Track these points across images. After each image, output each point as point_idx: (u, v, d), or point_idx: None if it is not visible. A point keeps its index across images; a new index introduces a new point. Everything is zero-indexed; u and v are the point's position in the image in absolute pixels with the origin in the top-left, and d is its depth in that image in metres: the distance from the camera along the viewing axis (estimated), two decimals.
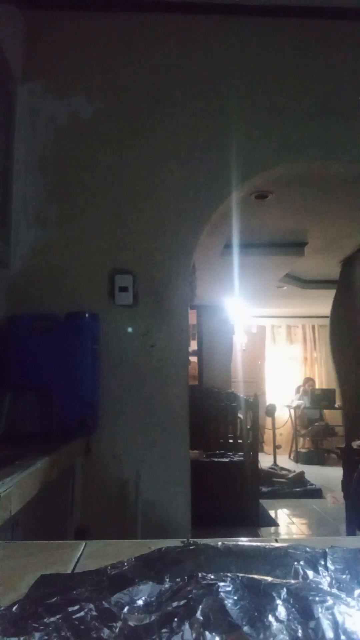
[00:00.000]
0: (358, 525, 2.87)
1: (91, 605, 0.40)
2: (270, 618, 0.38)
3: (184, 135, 2.22)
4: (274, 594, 0.41)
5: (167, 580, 0.45)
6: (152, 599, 0.42)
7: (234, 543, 0.56)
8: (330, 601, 0.40)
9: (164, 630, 0.37)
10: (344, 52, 2.29)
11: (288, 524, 4.20)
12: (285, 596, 0.41)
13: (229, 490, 3.93)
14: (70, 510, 1.89)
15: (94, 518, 1.98)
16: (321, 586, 0.45)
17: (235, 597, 0.41)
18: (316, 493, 4.98)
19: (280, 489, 5.07)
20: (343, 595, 0.42)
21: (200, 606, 0.39)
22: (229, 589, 0.42)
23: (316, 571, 0.48)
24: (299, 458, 7.05)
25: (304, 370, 8.62)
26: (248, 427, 4.42)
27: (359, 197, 3.28)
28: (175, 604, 0.40)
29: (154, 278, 2.14)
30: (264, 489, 4.75)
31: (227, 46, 2.29)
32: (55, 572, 0.52)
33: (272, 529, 3.96)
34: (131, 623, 0.38)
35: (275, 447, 6.56)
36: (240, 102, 2.25)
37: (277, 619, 0.38)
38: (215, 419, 4.50)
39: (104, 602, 0.41)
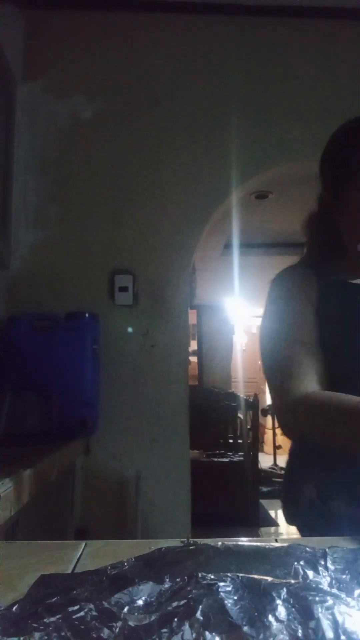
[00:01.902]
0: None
1: (91, 605, 0.40)
2: (270, 618, 0.38)
3: (184, 135, 2.23)
4: (274, 594, 0.41)
5: (167, 580, 0.45)
6: (152, 599, 0.42)
7: (234, 543, 0.56)
8: (330, 601, 0.40)
9: (164, 630, 0.37)
10: (344, 52, 2.29)
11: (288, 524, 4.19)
12: (285, 596, 0.41)
13: (229, 490, 3.93)
14: (70, 510, 1.89)
15: (94, 518, 1.98)
16: (321, 586, 0.45)
17: (235, 597, 0.41)
18: None
19: (280, 489, 5.06)
20: (343, 595, 0.42)
21: (200, 606, 0.39)
22: (229, 589, 0.42)
23: (316, 571, 0.48)
24: None
25: None
26: (248, 427, 4.43)
27: None
28: (175, 604, 0.40)
29: (154, 278, 2.14)
30: (264, 489, 4.75)
31: (227, 46, 2.29)
32: (55, 572, 0.52)
33: (272, 529, 3.96)
34: (131, 623, 0.38)
35: (275, 447, 6.56)
36: (240, 102, 2.25)
37: (277, 619, 0.38)
38: (215, 419, 4.50)
39: (104, 602, 0.41)
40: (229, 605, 0.39)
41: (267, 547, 0.54)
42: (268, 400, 7.79)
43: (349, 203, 0.92)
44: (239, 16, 2.29)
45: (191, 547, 0.55)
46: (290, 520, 0.98)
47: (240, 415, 4.53)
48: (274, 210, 3.65)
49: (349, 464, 0.82)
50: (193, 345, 6.55)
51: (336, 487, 0.86)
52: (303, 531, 0.94)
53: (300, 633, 0.37)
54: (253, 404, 4.50)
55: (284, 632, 0.37)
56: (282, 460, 6.60)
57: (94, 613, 0.39)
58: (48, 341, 1.89)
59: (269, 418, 7.05)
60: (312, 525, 0.89)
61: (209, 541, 0.57)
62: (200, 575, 0.44)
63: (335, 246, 0.97)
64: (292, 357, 0.88)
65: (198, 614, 0.38)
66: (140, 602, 0.42)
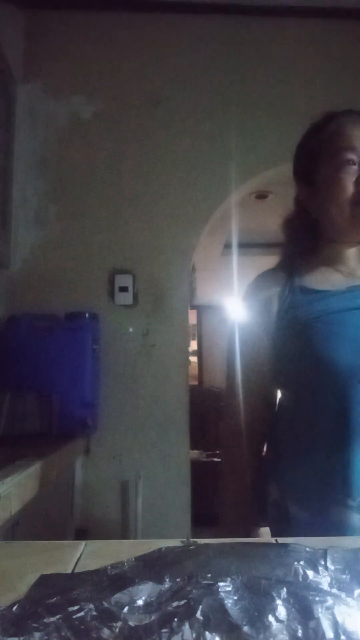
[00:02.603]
0: None
1: (91, 605, 0.40)
2: (270, 618, 0.38)
3: (184, 135, 2.22)
4: (274, 594, 0.41)
5: (167, 580, 0.45)
6: (152, 599, 0.42)
7: (234, 543, 0.56)
8: (330, 601, 0.40)
9: (164, 630, 0.37)
10: (344, 52, 2.29)
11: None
12: (285, 596, 0.41)
13: None
14: (70, 510, 1.89)
15: (94, 518, 1.98)
16: (321, 586, 0.45)
17: (235, 597, 0.41)
18: None
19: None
20: (343, 595, 0.42)
21: (200, 606, 0.39)
22: (229, 589, 0.42)
23: (316, 571, 0.48)
24: None
25: None
26: None
27: None
28: (175, 604, 0.40)
29: (154, 278, 2.14)
30: None
31: (227, 46, 2.29)
32: (55, 572, 0.52)
33: None
34: (131, 623, 0.38)
35: None
36: (240, 102, 2.25)
37: (277, 619, 0.38)
38: (215, 419, 4.51)
39: (104, 602, 0.41)
40: (229, 605, 0.39)
41: (267, 547, 0.54)
42: None
43: (321, 184, 0.93)
44: (239, 16, 2.29)
45: (191, 547, 0.55)
46: (259, 514, 1.01)
47: None
48: (274, 210, 3.64)
49: (309, 470, 0.87)
50: (193, 345, 6.55)
51: (294, 490, 0.89)
52: (269, 526, 0.99)
53: (300, 633, 0.37)
54: None
55: (284, 632, 0.37)
56: None
57: (94, 613, 0.39)
58: (48, 341, 1.89)
59: None
60: (274, 523, 0.93)
61: (209, 541, 0.57)
62: (200, 575, 0.44)
63: (309, 244, 0.98)
64: (237, 389, 0.94)
65: (198, 614, 0.38)
66: (140, 602, 0.42)
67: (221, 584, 0.42)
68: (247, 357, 0.95)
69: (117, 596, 0.42)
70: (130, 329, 2.11)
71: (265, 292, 0.96)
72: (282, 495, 0.91)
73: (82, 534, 1.92)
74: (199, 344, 6.88)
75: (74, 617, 0.39)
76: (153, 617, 0.39)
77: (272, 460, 0.98)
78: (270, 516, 0.94)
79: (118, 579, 0.46)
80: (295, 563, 0.49)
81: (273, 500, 0.93)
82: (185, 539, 0.58)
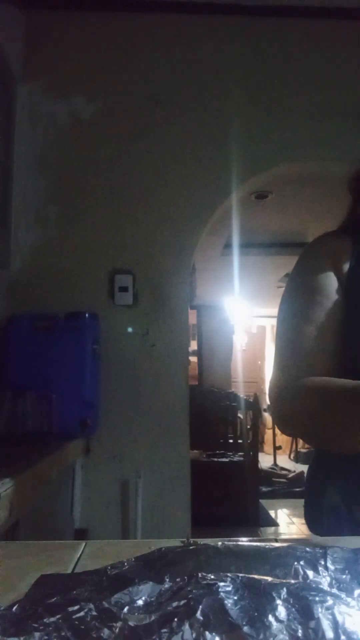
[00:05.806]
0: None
1: (91, 605, 0.40)
2: (270, 618, 0.38)
3: (184, 135, 2.22)
4: (274, 594, 0.41)
5: (167, 580, 0.45)
6: (152, 599, 0.42)
7: (234, 543, 0.56)
8: (330, 601, 0.40)
9: (164, 630, 0.37)
10: (344, 52, 2.29)
11: (288, 524, 4.20)
12: (285, 596, 0.41)
13: (229, 490, 3.93)
14: (70, 510, 1.89)
15: (94, 518, 1.98)
16: (321, 586, 0.45)
17: (235, 597, 0.41)
18: None
19: (280, 489, 5.07)
20: (343, 595, 0.42)
21: (200, 606, 0.39)
22: (229, 589, 0.42)
23: (316, 571, 0.48)
24: (299, 458, 7.05)
25: None
26: (248, 427, 4.43)
27: None
28: (175, 604, 0.40)
29: (154, 278, 2.14)
30: (264, 489, 4.75)
31: (227, 46, 2.29)
32: (55, 572, 0.52)
33: (272, 529, 3.96)
34: (131, 623, 0.38)
35: (275, 447, 6.57)
36: (240, 102, 2.25)
37: (277, 619, 0.38)
38: (215, 419, 4.51)
39: (104, 602, 0.41)
40: (229, 605, 0.39)
41: (267, 547, 0.54)
42: (268, 400, 7.81)
43: None
44: (239, 16, 2.29)
45: (191, 547, 0.55)
46: (312, 526, 0.90)
47: (240, 415, 4.53)
48: (274, 210, 3.65)
49: None
50: (193, 345, 6.56)
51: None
52: (324, 534, 0.87)
53: (300, 633, 0.37)
54: (253, 404, 4.50)
55: (284, 632, 0.37)
56: (282, 460, 6.60)
57: (94, 613, 0.39)
58: (48, 341, 1.89)
59: (268, 418, 7.05)
60: (335, 531, 0.82)
61: (209, 541, 0.57)
62: (200, 575, 0.44)
63: None
64: (305, 339, 0.81)
65: (198, 614, 0.38)
66: (140, 602, 0.42)
67: (221, 584, 0.42)
68: (316, 306, 0.82)
69: (117, 596, 0.42)
70: (130, 329, 2.11)
71: (321, 256, 0.88)
72: (345, 499, 0.81)
73: (82, 534, 1.92)
74: (199, 344, 6.89)
75: (74, 617, 0.39)
76: (153, 617, 0.39)
77: (332, 461, 0.85)
78: (326, 524, 0.84)
79: (118, 579, 0.46)
80: (295, 563, 0.49)
81: (330, 506, 0.83)
82: (185, 539, 0.58)
